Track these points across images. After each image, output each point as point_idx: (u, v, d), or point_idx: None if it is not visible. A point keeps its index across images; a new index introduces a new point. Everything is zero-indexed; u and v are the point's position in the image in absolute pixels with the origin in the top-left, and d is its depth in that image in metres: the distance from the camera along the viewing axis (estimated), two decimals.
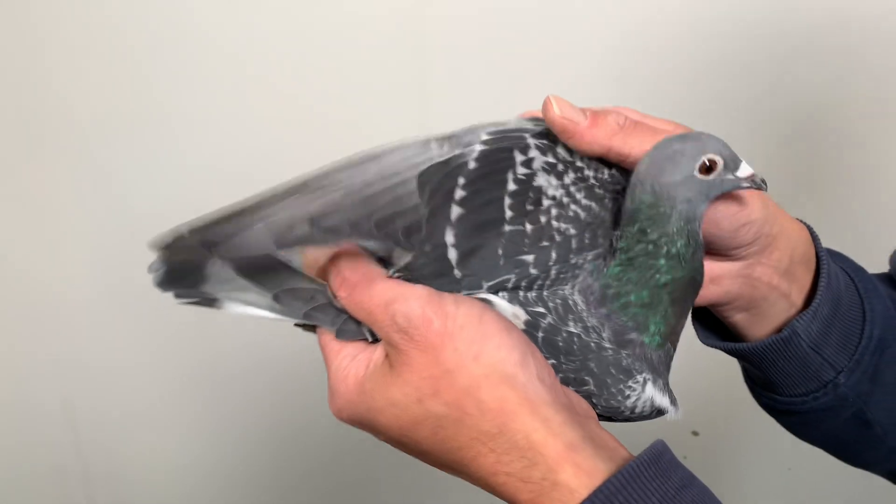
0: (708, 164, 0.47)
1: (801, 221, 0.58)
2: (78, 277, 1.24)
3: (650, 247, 0.47)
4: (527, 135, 0.47)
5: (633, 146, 0.48)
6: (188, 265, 0.49)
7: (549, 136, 0.48)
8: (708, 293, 0.55)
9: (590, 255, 0.48)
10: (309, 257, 0.49)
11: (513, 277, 0.47)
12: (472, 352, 0.44)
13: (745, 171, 0.48)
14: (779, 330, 0.57)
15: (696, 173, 0.46)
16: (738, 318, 0.58)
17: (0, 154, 1.18)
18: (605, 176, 0.49)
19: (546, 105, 0.48)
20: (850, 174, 1.13)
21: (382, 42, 1.09)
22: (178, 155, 1.18)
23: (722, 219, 0.51)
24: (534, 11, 1.07)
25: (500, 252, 0.46)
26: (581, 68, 1.09)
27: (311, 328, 0.51)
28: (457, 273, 0.46)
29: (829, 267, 0.57)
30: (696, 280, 0.49)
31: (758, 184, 0.48)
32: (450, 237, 0.45)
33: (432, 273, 0.46)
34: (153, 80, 1.14)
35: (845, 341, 0.57)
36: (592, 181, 0.48)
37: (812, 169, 1.13)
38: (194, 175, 1.16)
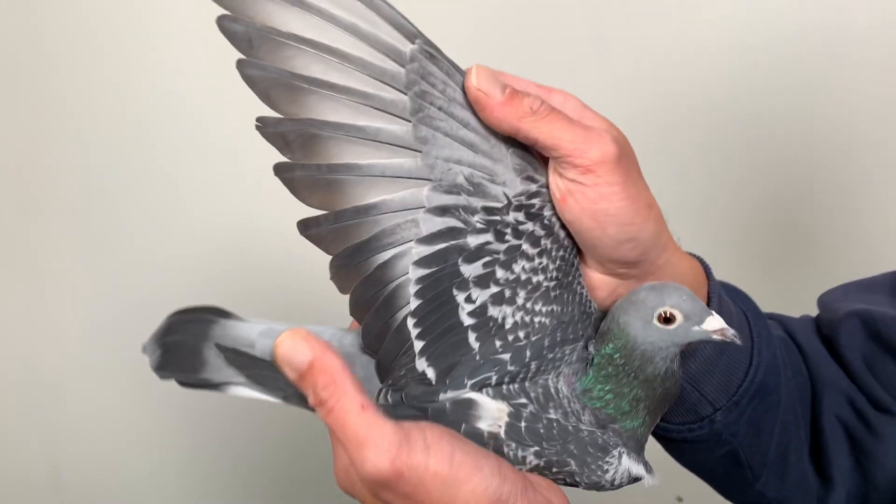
0: (666, 315, 0.49)
1: (695, 257, 0.58)
2: (69, 347, 1.24)
3: (620, 369, 0.50)
4: (459, 260, 0.48)
5: (541, 132, 0.47)
6: (184, 348, 0.49)
7: (481, 251, 0.49)
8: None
9: (567, 349, 0.50)
10: (280, 354, 0.44)
11: (494, 376, 0.49)
12: (447, 497, 0.45)
13: (711, 325, 0.49)
14: None
15: (656, 322, 0.49)
16: None
17: None
18: (554, 272, 0.50)
19: (468, 72, 0.48)
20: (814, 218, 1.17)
21: None
22: (176, 226, 1.19)
23: (610, 224, 0.49)
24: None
25: (477, 358, 0.49)
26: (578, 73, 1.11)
27: None
28: (438, 384, 0.49)
29: (720, 306, 0.57)
30: (671, 393, 0.51)
31: (729, 338, 0.50)
32: (422, 364, 0.48)
33: (414, 385, 0.48)
34: (152, 143, 1.15)
35: (727, 382, 0.58)
36: (545, 284, 0.50)
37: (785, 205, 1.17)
38: (193, 247, 1.17)
